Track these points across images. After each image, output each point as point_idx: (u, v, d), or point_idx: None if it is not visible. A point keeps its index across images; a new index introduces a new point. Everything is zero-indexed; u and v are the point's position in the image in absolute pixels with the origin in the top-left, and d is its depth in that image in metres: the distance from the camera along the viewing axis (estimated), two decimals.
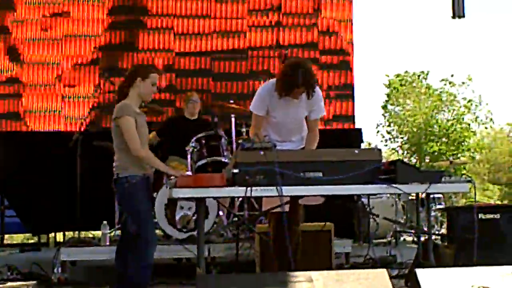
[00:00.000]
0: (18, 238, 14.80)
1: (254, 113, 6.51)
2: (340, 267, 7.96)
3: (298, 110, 6.47)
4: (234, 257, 7.70)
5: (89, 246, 8.71)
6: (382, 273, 4.01)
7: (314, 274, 3.93)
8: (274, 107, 6.43)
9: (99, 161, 8.82)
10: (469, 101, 38.61)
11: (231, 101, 9.48)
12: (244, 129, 8.85)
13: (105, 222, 8.54)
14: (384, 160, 5.75)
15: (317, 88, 6.44)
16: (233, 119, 9.07)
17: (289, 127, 6.53)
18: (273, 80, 6.44)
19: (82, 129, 9.62)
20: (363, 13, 55.45)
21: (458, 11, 12.60)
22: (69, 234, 11.55)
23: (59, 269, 8.11)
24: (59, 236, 12.23)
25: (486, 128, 41.38)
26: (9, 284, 3.42)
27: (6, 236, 12.94)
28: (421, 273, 3.99)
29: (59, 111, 11.43)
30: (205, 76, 11.84)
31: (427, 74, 40.00)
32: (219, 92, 11.76)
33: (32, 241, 12.88)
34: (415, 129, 37.76)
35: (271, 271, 6.56)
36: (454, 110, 38.61)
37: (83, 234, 10.44)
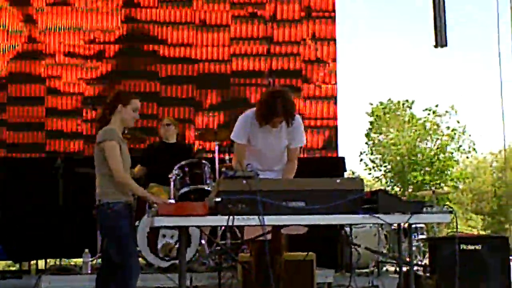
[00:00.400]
0: None
1: (236, 141, 6.52)
2: None
3: (279, 139, 6.48)
4: (216, 286, 7.70)
5: (70, 274, 8.70)
6: None
7: None
8: (255, 136, 6.44)
9: (81, 188, 8.83)
10: (453, 130, 38.77)
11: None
12: (227, 157, 8.87)
13: (86, 250, 8.51)
14: (367, 188, 5.77)
15: (297, 117, 6.47)
16: (216, 147, 9.09)
17: (270, 156, 6.53)
18: (254, 108, 6.46)
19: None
20: (347, 41, 55.78)
21: (440, 41, 12.66)
22: (51, 261, 11.49)
23: None
24: (41, 263, 12.12)
25: (467, 157, 41.56)
26: None
27: None
28: None
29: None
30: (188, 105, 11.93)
31: (411, 103, 40.22)
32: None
33: (13, 268, 12.77)
34: (398, 158, 37.88)
35: None
36: (437, 139, 38.76)
37: (65, 261, 10.41)
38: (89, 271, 8.28)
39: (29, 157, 11.33)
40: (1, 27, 11.67)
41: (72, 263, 10.33)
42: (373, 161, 40.12)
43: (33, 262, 12.07)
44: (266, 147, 6.49)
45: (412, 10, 58.90)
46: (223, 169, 7.26)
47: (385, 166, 39.66)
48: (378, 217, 5.43)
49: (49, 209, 9.71)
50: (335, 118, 12.32)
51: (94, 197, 6.48)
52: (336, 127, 12.32)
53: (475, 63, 69.69)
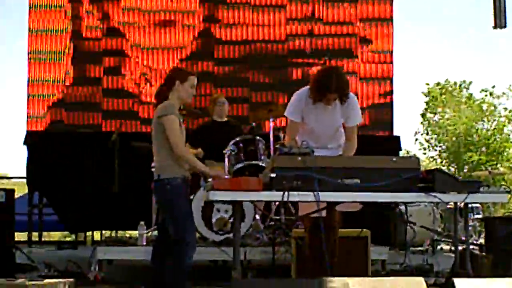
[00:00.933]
0: (55, 236, 14.85)
1: (289, 119, 6.50)
2: (376, 274, 7.92)
3: (332, 117, 6.43)
4: (270, 261, 7.71)
5: (125, 245, 8.83)
6: (419, 281, 3.98)
7: (350, 280, 3.92)
8: (308, 113, 6.39)
9: (136, 161, 8.92)
10: (510, 111, 38.23)
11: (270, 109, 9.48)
12: (282, 134, 8.84)
13: (142, 222, 8.59)
14: (422, 169, 5.72)
15: (352, 95, 6.43)
16: (271, 124, 9.07)
17: (324, 134, 6.47)
18: (308, 86, 6.44)
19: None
20: (404, 20, 55.06)
21: (500, 22, 12.47)
22: (107, 233, 11.66)
23: (96, 267, 8.20)
24: (97, 235, 12.31)
25: None
26: (46, 280, 3.45)
27: (45, 233, 13.02)
28: (458, 282, 3.96)
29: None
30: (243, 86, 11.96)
31: (469, 84, 39.73)
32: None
33: (69, 239, 12.99)
34: (454, 138, 37.47)
35: (307, 276, 6.54)
36: (494, 120, 38.27)
37: (120, 233, 10.52)
38: (144, 243, 8.36)
39: (87, 132, 11.47)
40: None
41: (127, 235, 10.43)
42: (428, 141, 39.77)
43: (88, 233, 12.30)
44: (319, 125, 6.44)
45: None
46: (278, 145, 7.26)
47: (440, 146, 39.29)
48: (435, 196, 5.40)
49: (105, 181, 9.81)
50: (391, 97, 12.26)
51: (149, 170, 6.55)
52: (391, 107, 12.26)
53: None
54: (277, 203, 8.44)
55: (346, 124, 6.53)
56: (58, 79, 11.61)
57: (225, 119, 9.47)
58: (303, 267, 7.07)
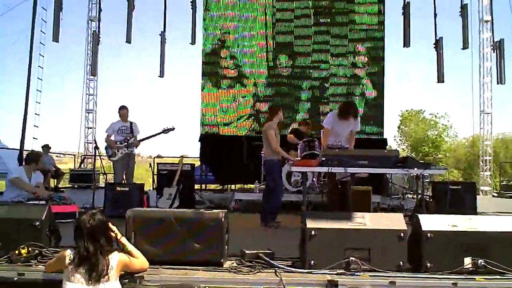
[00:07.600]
0: (211, 186, 15.00)
1: (326, 127, 6.44)
2: (375, 210, 7.77)
3: (348, 126, 6.38)
4: (320, 201, 7.66)
5: (249, 192, 8.89)
6: (399, 215, 3.91)
7: (365, 214, 3.86)
8: (336, 124, 6.34)
9: (255, 150, 8.95)
10: (444, 125, 36.85)
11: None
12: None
13: (257, 181, 8.66)
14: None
15: (358, 116, 6.50)
16: (322, 132, 8.94)
17: (342, 135, 6.40)
18: (336, 110, 6.47)
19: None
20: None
21: (441, 77, 11.66)
22: (239, 185, 11.71)
23: (233, 203, 8.29)
24: (233, 186, 12.36)
25: (449, 138, 38.99)
26: (210, 210, 3.53)
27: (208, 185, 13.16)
28: (419, 215, 3.88)
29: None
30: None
31: (423, 111, 38.37)
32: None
33: (219, 187, 13.10)
34: (415, 140, 36.43)
35: (341, 211, 6.47)
36: (436, 130, 36.94)
37: (245, 186, 10.55)
38: (257, 191, 8.43)
39: (228, 135, 11.51)
40: None
41: (249, 186, 10.49)
42: (401, 140, 38.62)
43: (229, 185, 12.34)
44: (341, 130, 6.37)
45: None
46: (327, 143, 7.14)
47: (406, 143, 38.04)
48: (407, 170, 5.29)
49: (238, 160, 9.88)
50: (383, 119, 11.85)
51: (260, 154, 6.58)
52: (383, 122, 11.81)
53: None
54: (324, 172, 8.35)
55: (352, 130, 6.46)
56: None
57: (305, 132, 9.44)
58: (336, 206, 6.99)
